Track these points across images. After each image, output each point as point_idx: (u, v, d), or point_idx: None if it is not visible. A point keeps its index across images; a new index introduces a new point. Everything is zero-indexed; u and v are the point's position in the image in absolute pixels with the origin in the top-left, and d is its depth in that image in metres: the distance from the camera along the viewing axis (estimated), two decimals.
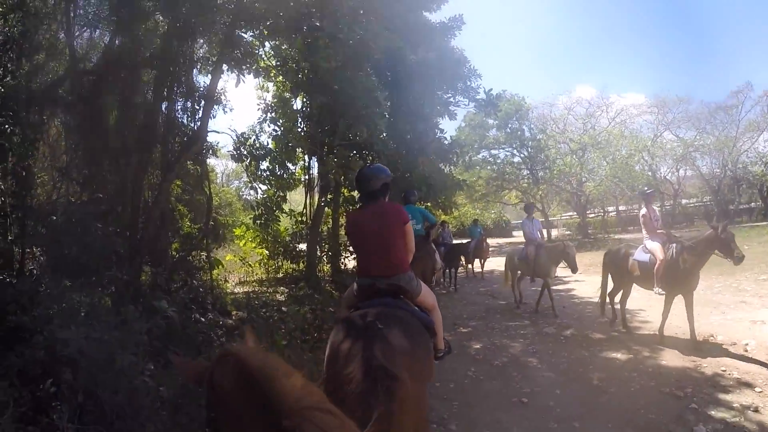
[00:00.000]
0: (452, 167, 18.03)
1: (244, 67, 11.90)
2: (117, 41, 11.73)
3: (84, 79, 11.56)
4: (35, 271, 8.52)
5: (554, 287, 12.10)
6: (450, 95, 16.70)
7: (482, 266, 19.96)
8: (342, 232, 15.15)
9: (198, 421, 4.76)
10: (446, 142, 16.25)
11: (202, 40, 11.41)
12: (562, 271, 13.30)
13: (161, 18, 11.29)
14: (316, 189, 14.79)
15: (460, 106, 17.19)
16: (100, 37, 12.96)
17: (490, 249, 20.61)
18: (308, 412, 1.35)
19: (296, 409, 1.34)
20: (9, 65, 10.48)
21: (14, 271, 8.36)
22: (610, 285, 9.82)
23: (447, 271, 16.57)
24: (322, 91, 11.33)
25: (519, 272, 12.54)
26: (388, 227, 4.03)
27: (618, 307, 9.72)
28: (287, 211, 15.05)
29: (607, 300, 9.94)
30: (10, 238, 8.91)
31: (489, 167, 45.92)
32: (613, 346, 8.30)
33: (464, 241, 19.07)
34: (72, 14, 11.41)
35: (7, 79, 10.14)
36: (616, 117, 45.14)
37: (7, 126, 9.26)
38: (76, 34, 12.03)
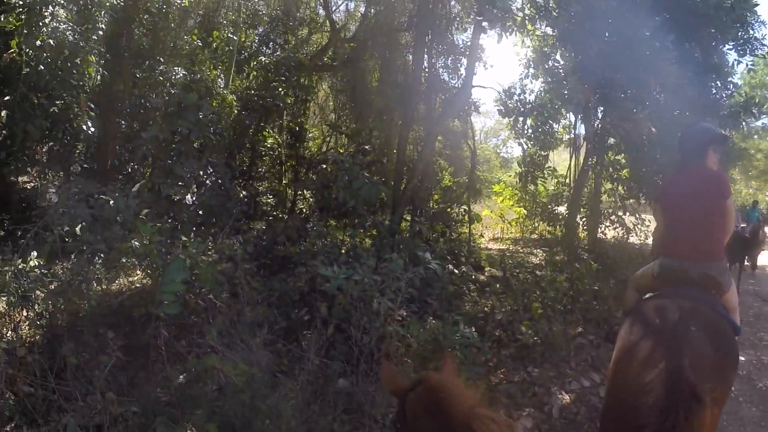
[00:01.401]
0: (734, 133, 14.97)
1: (502, 22, 11.13)
2: (372, 9, 12.01)
3: (345, 47, 12.23)
4: (305, 211, 9.16)
5: None
6: (729, 46, 13.55)
7: (754, 259, 15.59)
8: (604, 198, 13.62)
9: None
10: (731, 101, 13.17)
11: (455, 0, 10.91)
12: None
13: None
14: (580, 150, 13.41)
15: (742, 60, 13.82)
16: (356, 8, 13.82)
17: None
18: None
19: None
20: (277, 40, 11.82)
21: (287, 209, 9.13)
22: None
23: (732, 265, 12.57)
24: (586, 41, 9.99)
25: None
26: (706, 200, 3.09)
27: None
28: (549, 171, 13.99)
29: None
30: (284, 182, 9.91)
31: None
32: None
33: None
34: None
35: (277, 52, 11.42)
36: None
37: (280, 89, 10.27)
38: (334, 8, 12.83)
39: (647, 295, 3.14)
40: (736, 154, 13.35)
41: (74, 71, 7.06)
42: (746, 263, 14.47)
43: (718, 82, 12.35)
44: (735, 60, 12.76)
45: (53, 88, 6.86)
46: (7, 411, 3.32)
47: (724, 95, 12.56)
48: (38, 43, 6.49)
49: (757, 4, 11.65)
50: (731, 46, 12.79)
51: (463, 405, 1.33)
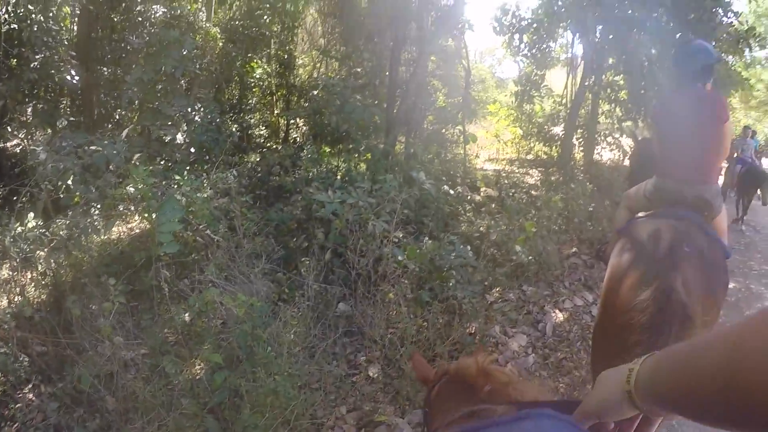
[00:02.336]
0: (736, 60, 14.59)
1: None
2: None
3: None
4: (298, 139, 9.09)
5: None
6: None
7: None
8: (601, 119, 13.43)
9: (438, 297, 4.45)
10: (735, 27, 12.69)
11: None
12: None
13: None
14: (578, 70, 13.12)
15: None
16: None
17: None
18: None
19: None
20: None
21: (280, 139, 9.06)
22: None
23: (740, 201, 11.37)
24: None
25: None
26: (706, 121, 2.99)
27: None
28: (545, 90, 13.76)
29: None
30: (276, 112, 9.76)
31: None
32: None
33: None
34: None
35: None
36: None
37: (266, 18, 9.88)
38: None
39: (639, 215, 3.12)
40: (737, 82, 12.99)
41: (50, 23, 6.82)
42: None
43: (720, 9, 11.90)
44: None
45: (31, 45, 6.65)
46: (23, 373, 3.42)
47: (724, 21, 12.11)
48: None
49: None
50: None
51: (476, 367, 1.31)
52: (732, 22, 12.19)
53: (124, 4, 8.21)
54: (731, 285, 6.85)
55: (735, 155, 11.71)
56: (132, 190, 4.34)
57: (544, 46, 12.90)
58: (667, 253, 2.46)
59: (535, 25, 12.27)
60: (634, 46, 9.62)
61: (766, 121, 42.01)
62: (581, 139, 13.20)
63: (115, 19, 8.18)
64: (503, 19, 11.81)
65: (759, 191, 11.21)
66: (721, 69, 11.37)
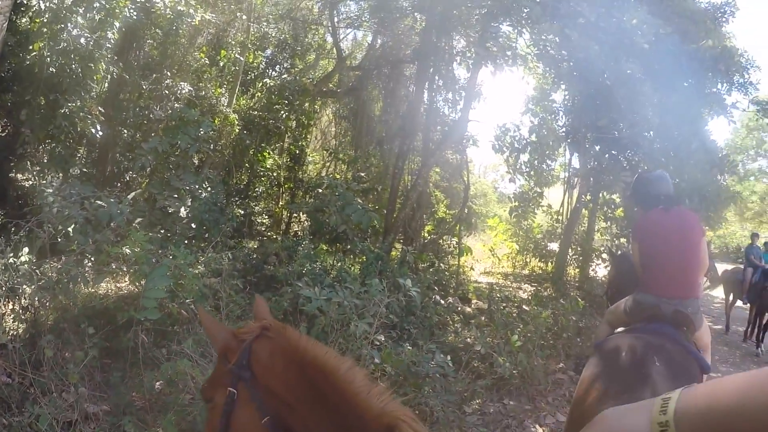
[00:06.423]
0: (726, 176, 15.02)
1: (501, 59, 11.35)
2: (379, 40, 12.50)
3: (350, 74, 12.76)
4: (298, 233, 9.33)
5: None
6: (724, 91, 13.36)
7: None
8: (597, 236, 13.67)
9: (410, 403, 4.39)
10: (717, 145, 12.98)
11: (459, 36, 11.19)
12: None
13: (419, 16, 11.35)
14: (575, 188, 13.56)
15: (737, 106, 13.72)
16: (363, 37, 14.49)
17: None
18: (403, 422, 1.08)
19: (390, 414, 1.08)
20: (284, 64, 12.48)
21: (281, 230, 9.31)
22: None
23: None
24: (582, 81, 10.15)
25: None
26: (691, 238, 3.13)
27: None
28: (543, 207, 14.09)
29: None
30: (281, 203, 10.12)
31: (766, 179, 35.16)
32: None
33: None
34: (336, 18, 12.52)
35: (284, 75, 11.96)
36: None
37: (283, 112, 10.64)
38: (341, 36, 13.35)
39: (618, 330, 3.18)
40: (730, 197, 13.17)
41: (86, 77, 7.26)
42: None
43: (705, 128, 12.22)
44: (729, 107, 12.69)
45: (66, 91, 7.05)
46: None
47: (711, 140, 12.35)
48: (62, 46, 6.67)
49: (745, 51, 11.94)
50: (725, 91, 12.73)
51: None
52: (712, 141, 12.46)
53: (154, 75, 8.74)
54: None
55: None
56: (128, 251, 4.45)
57: (543, 164, 13.32)
58: (637, 368, 2.49)
59: (534, 144, 12.65)
60: (628, 165, 9.92)
61: (761, 231, 41.86)
62: (576, 256, 13.33)
63: (144, 87, 8.67)
64: (504, 138, 12.19)
65: None
66: (712, 187, 11.51)
